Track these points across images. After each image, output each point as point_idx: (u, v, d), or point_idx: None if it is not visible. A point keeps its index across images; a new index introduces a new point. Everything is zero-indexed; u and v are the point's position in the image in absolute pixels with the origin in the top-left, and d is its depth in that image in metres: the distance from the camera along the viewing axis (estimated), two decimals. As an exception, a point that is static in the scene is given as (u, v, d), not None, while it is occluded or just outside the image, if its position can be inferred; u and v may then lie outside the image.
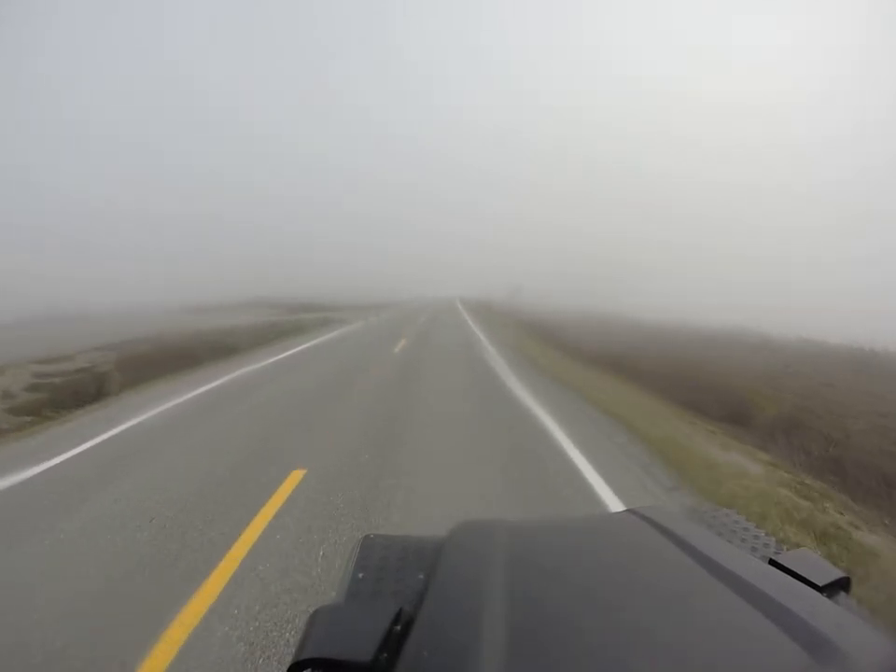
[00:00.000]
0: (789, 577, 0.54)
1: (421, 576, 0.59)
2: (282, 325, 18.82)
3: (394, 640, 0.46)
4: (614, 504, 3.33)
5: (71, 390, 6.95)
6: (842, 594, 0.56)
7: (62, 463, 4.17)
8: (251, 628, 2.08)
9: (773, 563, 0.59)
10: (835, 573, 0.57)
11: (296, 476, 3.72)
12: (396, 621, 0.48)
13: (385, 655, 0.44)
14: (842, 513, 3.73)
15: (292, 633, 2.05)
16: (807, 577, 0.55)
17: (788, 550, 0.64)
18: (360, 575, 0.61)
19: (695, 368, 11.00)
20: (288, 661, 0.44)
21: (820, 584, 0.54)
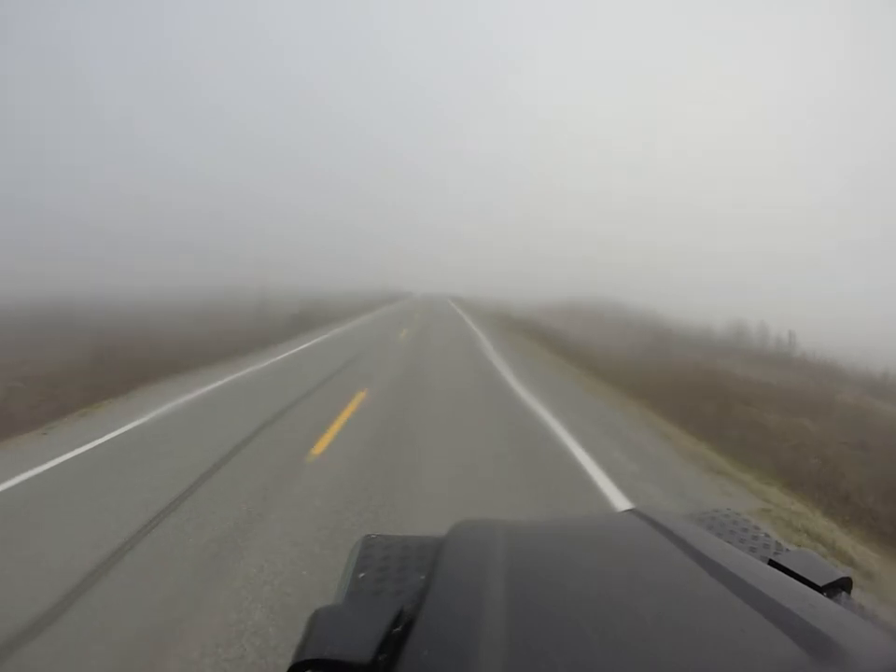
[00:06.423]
0: (789, 577, 0.54)
1: (422, 576, 0.59)
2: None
3: (394, 640, 0.46)
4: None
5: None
6: (843, 594, 0.56)
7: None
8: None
9: (773, 563, 0.59)
10: (836, 573, 0.57)
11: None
12: (396, 621, 0.48)
13: (386, 655, 0.44)
14: None
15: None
16: (808, 577, 0.55)
17: (788, 550, 0.64)
18: (361, 575, 0.61)
19: None
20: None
21: (821, 584, 0.54)
